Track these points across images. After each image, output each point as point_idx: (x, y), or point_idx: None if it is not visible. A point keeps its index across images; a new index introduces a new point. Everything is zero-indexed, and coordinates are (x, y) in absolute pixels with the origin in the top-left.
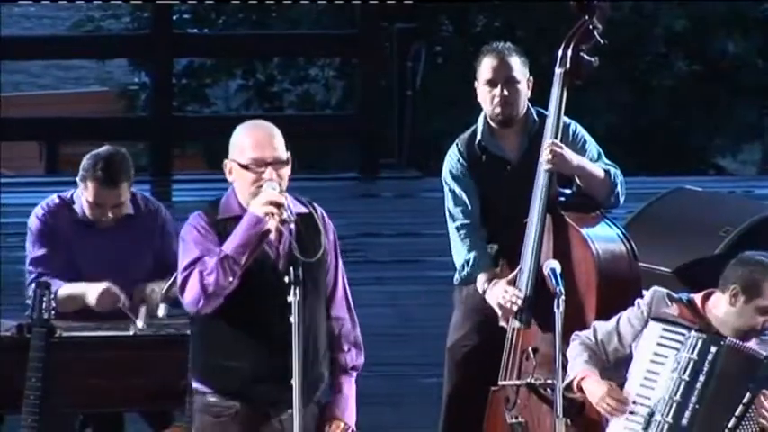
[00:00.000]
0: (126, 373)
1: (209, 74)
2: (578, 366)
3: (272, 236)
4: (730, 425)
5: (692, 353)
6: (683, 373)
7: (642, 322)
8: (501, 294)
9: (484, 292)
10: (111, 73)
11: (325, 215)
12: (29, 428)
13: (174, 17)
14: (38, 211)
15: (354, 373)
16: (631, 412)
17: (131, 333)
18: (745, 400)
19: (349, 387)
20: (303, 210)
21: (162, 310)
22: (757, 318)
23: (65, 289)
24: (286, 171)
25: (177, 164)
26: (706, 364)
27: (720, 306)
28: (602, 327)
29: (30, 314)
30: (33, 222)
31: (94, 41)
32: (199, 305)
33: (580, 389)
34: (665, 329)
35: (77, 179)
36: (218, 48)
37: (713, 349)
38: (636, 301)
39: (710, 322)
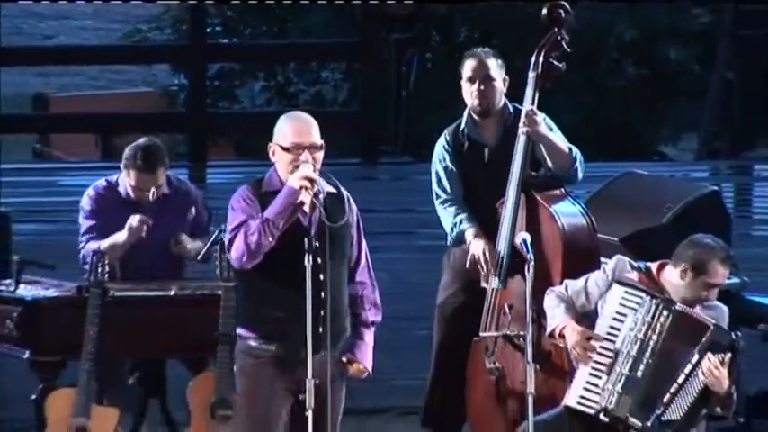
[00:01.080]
0: (167, 326)
1: (237, 76)
2: (559, 316)
3: (306, 207)
4: (679, 380)
5: (648, 315)
6: (640, 332)
7: (607, 284)
8: (481, 252)
9: (471, 246)
10: (156, 76)
11: (350, 197)
12: (86, 372)
13: (208, 29)
14: (89, 192)
15: (373, 328)
16: (596, 361)
17: (172, 293)
18: (693, 361)
19: (369, 338)
20: (332, 190)
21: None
22: (702, 292)
23: (105, 242)
24: (319, 155)
25: (210, 152)
26: (659, 326)
27: (672, 278)
28: (573, 285)
29: (87, 277)
30: (85, 201)
31: (141, 49)
32: (243, 260)
33: (562, 336)
34: (626, 292)
35: (121, 166)
36: (245, 55)
37: (665, 313)
38: (602, 266)
39: (664, 288)
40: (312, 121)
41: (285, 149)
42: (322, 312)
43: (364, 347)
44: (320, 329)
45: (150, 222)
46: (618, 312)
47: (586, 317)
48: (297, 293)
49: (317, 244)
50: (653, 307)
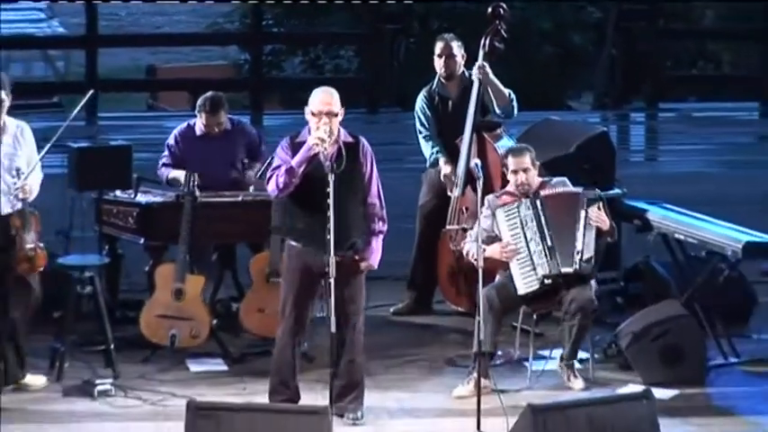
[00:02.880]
0: (236, 221)
1: (283, 54)
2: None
3: (327, 153)
4: (580, 233)
5: (527, 211)
6: (531, 222)
7: (491, 216)
8: (449, 172)
9: (443, 169)
10: (228, 53)
11: (366, 144)
12: (182, 254)
13: (264, 22)
14: (174, 132)
15: (381, 236)
16: (518, 258)
17: (239, 199)
18: (582, 217)
19: (376, 243)
20: (350, 140)
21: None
22: (513, 179)
23: (171, 173)
24: (336, 120)
25: (265, 105)
26: (539, 211)
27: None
28: (479, 227)
29: (183, 188)
30: (170, 138)
31: (219, 35)
32: (276, 194)
33: (489, 258)
34: (504, 211)
35: (196, 111)
36: (288, 39)
37: (537, 203)
38: (484, 205)
39: (522, 192)
40: (333, 94)
41: (312, 114)
42: (329, 225)
43: (371, 250)
44: (328, 236)
45: (196, 177)
46: (508, 224)
47: (498, 239)
48: (313, 213)
49: (330, 184)
50: (523, 205)
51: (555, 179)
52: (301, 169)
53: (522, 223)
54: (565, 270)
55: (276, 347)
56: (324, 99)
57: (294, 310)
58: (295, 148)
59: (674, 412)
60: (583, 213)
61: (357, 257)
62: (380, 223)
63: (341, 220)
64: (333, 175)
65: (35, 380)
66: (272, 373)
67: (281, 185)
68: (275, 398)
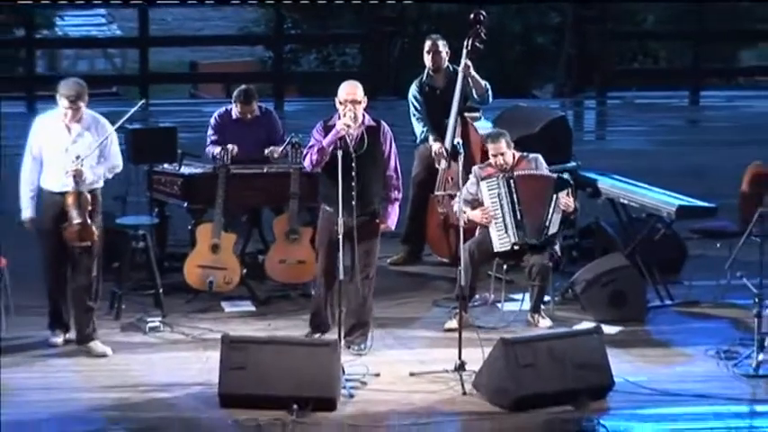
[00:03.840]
0: (262, 189)
1: (300, 52)
2: (467, 211)
3: (352, 135)
4: (550, 212)
5: (504, 185)
6: (507, 196)
7: (476, 184)
8: (437, 149)
9: (432, 145)
10: (255, 51)
11: (386, 126)
12: (218, 215)
13: (284, 25)
14: (215, 114)
15: (397, 203)
16: (495, 223)
17: (264, 171)
18: (553, 199)
19: (392, 208)
20: (373, 124)
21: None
22: (493, 161)
23: (217, 149)
24: (359, 107)
25: (285, 94)
26: (512, 189)
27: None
28: (465, 192)
29: (218, 161)
30: (212, 120)
31: (248, 36)
32: (310, 168)
33: (470, 220)
34: (486, 183)
35: (232, 100)
36: (303, 40)
37: (510, 181)
38: (471, 175)
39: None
40: (357, 86)
41: (340, 102)
42: (353, 193)
43: (389, 214)
44: (353, 202)
45: (233, 149)
46: (489, 194)
47: (480, 203)
48: (344, 182)
49: (355, 157)
50: (502, 181)
51: (531, 155)
52: (330, 149)
53: (499, 196)
54: (531, 242)
55: (315, 287)
56: (349, 90)
57: (325, 260)
58: (327, 130)
59: (619, 344)
60: (554, 197)
61: (378, 220)
62: (396, 192)
63: (364, 190)
64: (356, 153)
65: (98, 347)
66: (312, 305)
67: (313, 162)
68: (313, 321)
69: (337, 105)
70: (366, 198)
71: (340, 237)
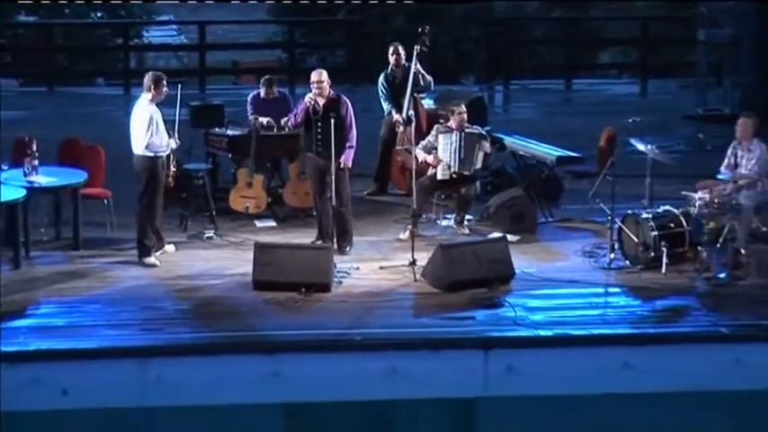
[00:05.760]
0: (280, 145)
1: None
2: (423, 154)
3: (319, 104)
4: (478, 153)
5: (454, 136)
6: (455, 143)
7: (435, 137)
8: (397, 118)
9: (394, 116)
10: (276, 54)
11: (345, 99)
12: (252, 162)
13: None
14: (250, 95)
15: (351, 150)
16: (441, 162)
17: (282, 133)
18: (479, 147)
19: (349, 152)
20: (334, 96)
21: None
22: (459, 118)
23: (254, 118)
24: (323, 85)
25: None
26: (461, 138)
27: (454, 122)
28: (426, 141)
29: (251, 127)
30: (249, 98)
31: (271, 43)
32: (290, 127)
33: (426, 161)
34: (443, 136)
35: (260, 85)
36: (307, 46)
37: (462, 134)
38: (433, 129)
39: (458, 126)
40: (322, 73)
41: (310, 83)
42: (319, 143)
43: (346, 156)
44: (320, 149)
45: (266, 121)
46: (443, 143)
47: (435, 150)
48: (315, 136)
49: (320, 120)
50: (455, 134)
51: (472, 126)
52: (303, 115)
53: (451, 143)
54: (465, 173)
55: (317, 210)
56: (314, 76)
57: (317, 188)
58: (308, 104)
59: (518, 248)
60: (479, 145)
61: (340, 161)
62: (351, 141)
63: (326, 140)
64: (320, 117)
65: (169, 248)
66: (318, 221)
67: (291, 123)
68: (321, 226)
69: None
70: (330, 144)
71: (333, 178)
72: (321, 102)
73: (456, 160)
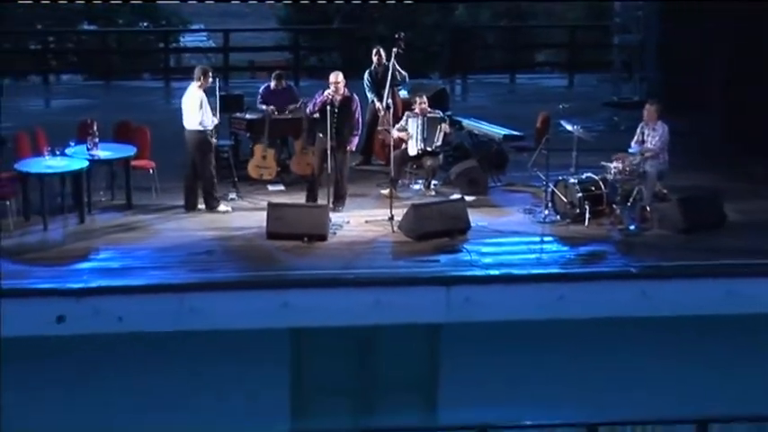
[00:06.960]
0: (288, 126)
1: (308, 55)
2: (397, 133)
3: (336, 99)
4: (439, 134)
5: (420, 121)
6: (421, 126)
7: (407, 120)
8: (379, 106)
9: (376, 104)
10: (284, 55)
11: (356, 97)
12: (265, 139)
13: (299, 41)
14: (262, 87)
15: (356, 136)
16: (411, 140)
17: (290, 116)
18: (439, 129)
19: (354, 138)
20: (348, 94)
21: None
22: (422, 107)
23: (262, 106)
24: (340, 85)
25: (300, 77)
26: (425, 123)
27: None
28: (400, 124)
29: (263, 113)
30: (261, 90)
31: (280, 46)
32: (310, 113)
33: (399, 138)
34: (413, 120)
35: (271, 79)
36: (310, 49)
37: (425, 118)
38: (404, 116)
39: (422, 113)
40: (338, 74)
41: (329, 82)
42: (334, 130)
43: (351, 141)
44: (331, 135)
45: (273, 109)
46: (412, 125)
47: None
48: (327, 123)
49: (336, 111)
50: (420, 118)
51: (431, 110)
52: (320, 105)
53: (417, 126)
54: (429, 149)
55: (313, 179)
56: (332, 76)
57: (319, 163)
58: (326, 96)
59: (474, 206)
60: (439, 127)
61: (346, 144)
62: (356, 131)
63: (340, 128)
64: (336, 109)
65: (223, 206)
66: (308, 188)
67: (310, 109)
68: (310, 191)
69: (330, 82)
70: (341, 132)
71: (329, 151)
72: (337, 98)
73: (421, 139)
